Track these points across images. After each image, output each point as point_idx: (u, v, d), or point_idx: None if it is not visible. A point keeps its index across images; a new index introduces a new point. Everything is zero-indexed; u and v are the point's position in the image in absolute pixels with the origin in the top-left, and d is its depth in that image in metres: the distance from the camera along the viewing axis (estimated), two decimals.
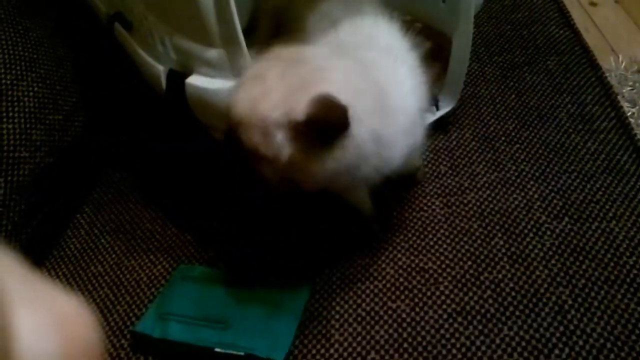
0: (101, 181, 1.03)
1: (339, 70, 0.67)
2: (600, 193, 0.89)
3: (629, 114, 1.56)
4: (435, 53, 1.01)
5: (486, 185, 0.93)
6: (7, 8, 0.94)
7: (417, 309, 0.79)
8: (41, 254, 0.93)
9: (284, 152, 0.64)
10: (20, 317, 0.27)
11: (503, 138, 0.99)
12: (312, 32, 0.83)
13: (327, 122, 0.62)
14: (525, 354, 0.73)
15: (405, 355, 0.75)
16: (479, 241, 0.86)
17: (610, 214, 0.87)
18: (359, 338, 0.77)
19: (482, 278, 0.81)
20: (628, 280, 0.79)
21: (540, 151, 0.96)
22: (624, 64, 1.71)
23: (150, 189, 1.00)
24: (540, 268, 0.81)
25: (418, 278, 0.83)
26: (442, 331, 0.77)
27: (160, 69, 0.81)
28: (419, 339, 0.76)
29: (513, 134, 0.99)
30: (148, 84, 0.86)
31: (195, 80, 0.76)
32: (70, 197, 0.99)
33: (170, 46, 0.79)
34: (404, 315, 0.79)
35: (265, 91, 0.64)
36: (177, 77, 0.78)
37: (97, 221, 0.97)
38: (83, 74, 1.02)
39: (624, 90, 1.64)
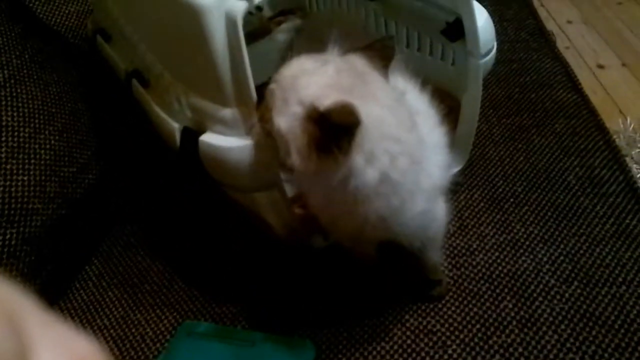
0: (111, 234, 1.03)
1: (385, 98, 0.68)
2: (610, 257, 0.89)
3: (638, 176, 1.57)
4: (444, 115, 1.03)
5: (495, 247, 0.93)
6: (29, 63, 0.97)
7: None
8: (48, 306, 0.92)
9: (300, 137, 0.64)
10: (40, 358, 0.28)
11: (512, 200, 1.00)
12: None
13: (337, 118, 0.61)
14: None
15: None
16: (487, 304, 0.85)
17: (620, 279, 0.86)
18: None
19: (490, 342, 0.80)
20: (639, 347, 0.77)
21: (549, 214, 0.96)
22: (632, 126, 1.73)
23: (159, 243, 1.01)
24: (550, 333, 0.80)
25: (426, 340, 0.82)
26: None
27: (175, 126, 0.83)
28: None
29: (522, 195, 1.00)
30: (163, 140, 0.88)
31: (209, 138, 0.78)
32: (80, 249, 0.99)
33: (186, 104, 0.81)
34: None
35: (316, 71, 0.66)
36: (191, 134, 0.80)
37: (105, 274, 0.98)
38: (99, 128, 1.04)
39: (633, 152, 1.65)
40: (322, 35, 0.94)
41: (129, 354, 0.85)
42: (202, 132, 0.79)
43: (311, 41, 1.01)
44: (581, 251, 0.90)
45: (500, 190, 1.01)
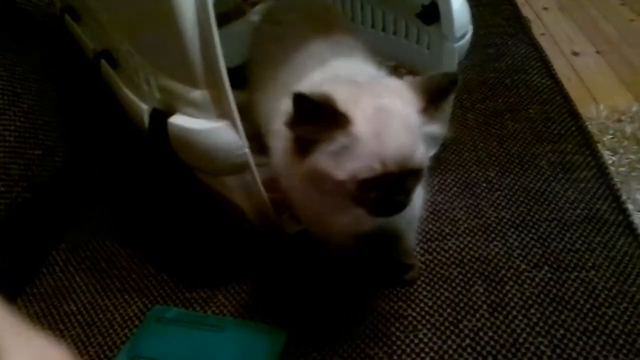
0: (79, 218, 1.01)
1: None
2: (580, 242, 0.90)
3: (609, 162, 1.58)
4: None
5: (467, 231, 0.93)
6: None
7: (395, 357, 0.78)
8: (14, 291, 0.91)
9: None
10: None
11: (484, 184, 1.00)
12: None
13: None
14: None
15: None
16: (458, 288, 0.85)
17: (590, 264, 0.87)
18: None
19: (461, 326, 0.81)
20: (607, 331, 0.78)
21: (520, 199, 0.97)
22: (605, 113, 1.74)
23: (128, 228, 0.99)
24: (520, 317, 0.81)
25: (397, 325, 0.82)
26: None
27: (144, 108, 0.81)
28: None
29: (494, 180, 1.00)
30: (132, 122, 0.86)
31: (178, 120, 0.76)
32: (47, 233, 0.97)
33: (155, 85, 0.79)
34: None
35: None
36: (160, 116, 0.78)
37: (73, 259, 0.96)
38: (67, 109, 1.01)
39: (605, 139, 1.66)
40: (286, 18, 0.94)
41: (97, 340, 0.84)
42: (172, 114, 0.77)
43: (274, 24, 0.99)
44: (552, 236, 0.91)
45: (474, 175, 1.01)
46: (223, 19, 1.10)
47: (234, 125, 0.73)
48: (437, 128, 0.65)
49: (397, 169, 0.61)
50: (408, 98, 0.64)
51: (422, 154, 0.63)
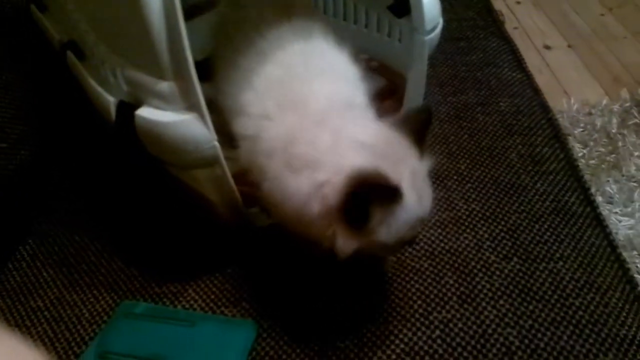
0: (46, 212, 0.99)
1: None
2: (548, 234, 0.91)
3: (580, 154, 1.60)
4: (390, 90, 1.03)
5: (437, 224, 0.93)
6: None
7: (366, 349, 0.78)
8: None
9: None
10: None
11: (455, 177, 1.00)
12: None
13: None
14: None
15: None
16: (429, 280, 0.86)
17: (558, 255, 0.88)
18: None
19: (431, 318, 0.81)
20: (574, 321, 0.80)
21: (491, 191, 0.98)
22: (575, 106, 1.76)
23: (96, 221, 0.98)
24: (489, 308, 0.82)
25: (367, 317, 0.82)
26: None
27: (111, 100, 0.79)
28: None
29: (465, 173, 1.01)
30: (99, 114, 0.84)
31: (146, 112, 0.74)
32: (13, 227, 0.95)
33: (122, 77, 0.78)
34: (352, 355, 0.78)
35: None
36: (127, 108, 0.77)
37: (40, 253, 0.94)
38: (33, 102, 0.99)
39: (576, 132, 1.68)
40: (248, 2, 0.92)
41: (64, 336, 0.82)
42: (139, 106, 0.75)
43: (236, 8, 0.97)
44: (521, 227, 0.92)
45: (445, 167, 1.02)
46: (194, 11, 1.09)
47: (203, 118, 0.72)
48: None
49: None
50: (414, 152, 0.69)
51: None
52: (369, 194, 0.64)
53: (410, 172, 0.67)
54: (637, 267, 1.16)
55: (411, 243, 0.73)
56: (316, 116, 0.72)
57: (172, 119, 0.73)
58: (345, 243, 0.68)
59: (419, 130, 0.71)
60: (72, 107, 0.97)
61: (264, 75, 0.80)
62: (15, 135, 0.94)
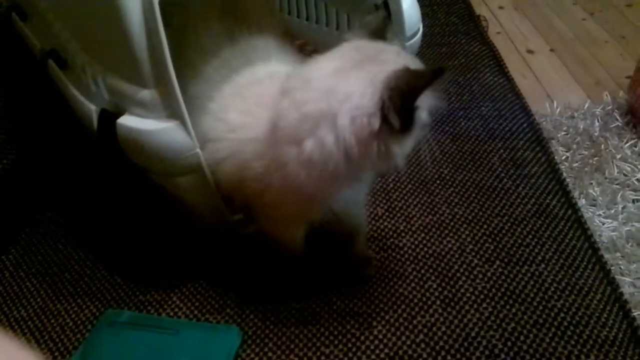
0: (30, 221, 0.99)
1: None
2: (530, 237, 0.92)
3: (563, 157, 1.61)
4: None
5: (421, 228, 0.94)
6: None
7: (351, 354, 0.79)
8: None
9: None
10: None
11: (438, 182, 1.01)
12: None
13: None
14: None
15: None
16: (412, 284, 0.86)
17: (540, 258, 0.89)
18: None
19: (415, 322, 0.82)
20: (556, 323, 0.80)
21: (473, 195, 0.98)
22: (558, 110, 1.77)
23: (80, 230, 0.97)
24: (472, 312, 0.82)
25: (352, 322, 0.82)
26: None
27: (92, 108, 0.80)
28: None
29: (448, 177, 1.02)
30: (80, 122, 0.84)
31: (127, 121, 0.75)
32: None
33: (103, 86, 0.78)
34: None
35: None
36: (109, 116, 0.77)
37: (24, 263, 0.93)
38: (14, 110, 0.99)
39: (559, 135, 1.69)
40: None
41: (48, 346, 0.82)
42: (121, 114, 0.76)
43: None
44: (503, 231, 0.93)
45: (428, 172, 1.03)
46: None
47: (184, 125, 0.73)
48: None
49: None
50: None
51: None
52: (412, 87, 0.61)
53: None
54: (620, 268, 1.17)
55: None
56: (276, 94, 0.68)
57: (153, 126, 0.73)
58: (402, 147, 0.65)
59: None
60: (53, 115, 0.97)
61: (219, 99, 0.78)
62: None
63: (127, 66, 0.73)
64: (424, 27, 0.95)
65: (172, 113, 0.73)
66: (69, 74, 0.86)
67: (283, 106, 0.65)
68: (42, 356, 0.35)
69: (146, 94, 0.73)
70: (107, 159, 0.83)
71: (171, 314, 0.84)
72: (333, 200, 0.73)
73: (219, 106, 0.77)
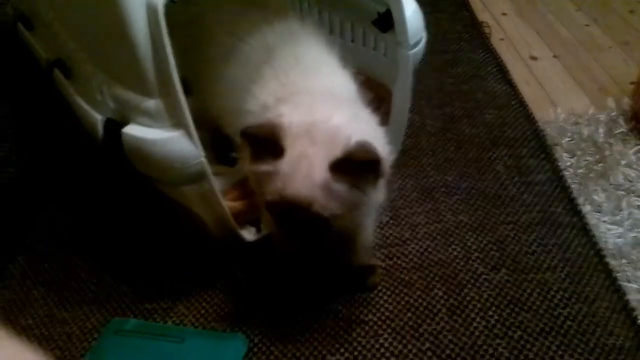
0: (36, 230, 0.99)
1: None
2: (536, 244, 0.91)
3: (567, 164, 1.60)
4: (376, 104, 1.04)
5: (426, 236, 0.94)
6: None
7: None
8: None
9: None
10: None
11: (443, 189, 1.01)
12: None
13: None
14: None
15: None
16: (418, 292, 0.86)
17: (545, 265, 0.88)
18: None
19: (421, 330, 0.81)
20: (562, 331, 0.80)
21: (478, 202, 0.98)
22: (562, 116, 1.77)
23: (86, 239, 0.98)
24: (478, 319, 0.82)
25: (358, 330, 0.82)
26: None
27: (98, 118, 0.80)
28: None
29: (452, 184, 1.02)
30: (86, 131, 0.85)
31: (133, 130, 0.75)
32: (2, 246, 0.95)
33: (109, 95, 0.78)
34: None
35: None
36: (114, 126, 0.77)
37: (30, 271, 0.94)
38: (20, 119, 0.99)
39: (563, 141, 1.68)
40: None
41: (55, 354, 0.82)
42: (126, 123, 0.76)
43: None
44: (508, 238, 0.92)
45: (432, 179, 1.03)
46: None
47: (189, 134, 0.73)
48: (346, 190, 0.67)
49: (292, 207, 0.66)
50: (331, 153, 0.66)
51: (324, 205, 0.66)
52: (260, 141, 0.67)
53: (300, 153, 0.67)
54: (627, 275, 1.16)
55: (281, 232, 0.72)
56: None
57: (159, 136, 0.73)
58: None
59: (354, 160, 0.67)
60: (59, 124, 0.97)
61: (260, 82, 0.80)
62: (2, 154, 0.94)
63: (132, 76, 0.74)
64: (427, 34, 0.95)
65: (177, 122, 0.73)
66: (75, 83, 0.86)
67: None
68: (48, 358, 0.35)
69: (151, 103, 0.73)
70: (113, 167, 0.83)
71: (177, 321, 0.85)
72: None
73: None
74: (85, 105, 0.82)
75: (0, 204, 0.92)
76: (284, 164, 0.66)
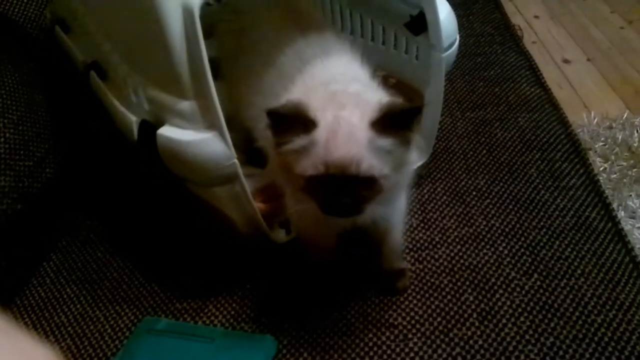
0: (70, 229, 1.01)
1: None
2: (569, 250, 0.90)
3: (601, 169, 1.58)
4: None
5: (457, 240, 0.93)
6: None
7: None
8: (4, 302, 0.90)
9: None
10: None
11: (474, 193, 1.00)
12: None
13: None
14: None
15: None
16: (449, 297, 0.85)
17: (579, 271, 0.87)
18: None
19: (451, 335, 0.81)
20: (596, 339, 0.79)
21: (510, 207, 0.97)
22: (596, 120, 1.75)
23: (119, 238, 0.99)
24: (510, 325, 0.81)
25: (387, 334, 0.82)
26: None
27: (133, 119, 0.81)
28: None
29: (484, 189, 1.01)
30: (121, 133, 0.86)
31: (167, 131, 0.76)
32: (38, 244, 0.97)
33: (144, 97, 0.80)
34: None
35: None
36: (149, 127, 0.78)
37: (64, 269, 0.95)
38: (57, 120, 1.01)
39: (596, 146, 1.67)
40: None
41: (87, 352, 0.84)
42: (160, 125, 0.77)
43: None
44: (541, 244, 0.91)
45: (463, 183, 1.02)
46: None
47: (223, 136, 0.74)
48: (391, 145, 0.67)
49: (339, 173, 0.66)
50: (367, 113, 0.67)
51: (371, 164, 0.66)
52: (285, 120, 0.67)
53: (335, 118, 0.67)
54: None
55: (329, 200, 0.70)
56: None
57: (193, 137, 0.74)
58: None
59: (393, 113, 0.68)
60: (95, 126, 0.99)
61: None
62: (39, 154, 0.96)
63: (167, 78, 0.75)
64: (459, 37, 0.95)
65: (211, 124, 0.74)
66: (110, 85, 0.88)
67: None
68: (57, 353, 0.35)
69: (186, 105, 0.74)
70: (147, 168, 0.84)
71: (207, 322, 0.85)
72: None
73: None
74: (120, 107, 0.84)
75: (37, 204, 0.93)
76: (321, 132, 0.66)
